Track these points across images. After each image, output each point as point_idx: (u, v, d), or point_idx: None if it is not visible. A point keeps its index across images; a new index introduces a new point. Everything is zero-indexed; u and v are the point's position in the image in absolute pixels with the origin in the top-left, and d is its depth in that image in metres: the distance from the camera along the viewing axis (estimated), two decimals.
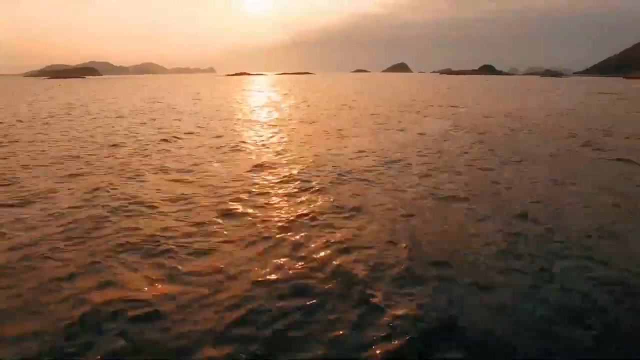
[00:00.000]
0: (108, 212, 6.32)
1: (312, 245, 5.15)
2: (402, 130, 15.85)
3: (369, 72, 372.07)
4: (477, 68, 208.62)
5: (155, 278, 4.32)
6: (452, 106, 26.37)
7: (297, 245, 5.15)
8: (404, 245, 5.15)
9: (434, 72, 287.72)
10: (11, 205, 6.69)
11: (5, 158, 10.55)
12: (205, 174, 8.86)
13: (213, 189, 7.62)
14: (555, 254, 4.93)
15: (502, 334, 3.44)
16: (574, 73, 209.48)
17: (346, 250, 5.01)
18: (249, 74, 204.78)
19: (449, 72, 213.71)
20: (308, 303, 3.86)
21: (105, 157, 10.75)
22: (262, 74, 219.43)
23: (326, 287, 4.16)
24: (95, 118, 20.17)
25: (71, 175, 8.69)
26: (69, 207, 6.52)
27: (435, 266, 4.62)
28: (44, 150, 11.57)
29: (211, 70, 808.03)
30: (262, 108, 26.39)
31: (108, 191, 7.49)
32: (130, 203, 6.79)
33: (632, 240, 5.41)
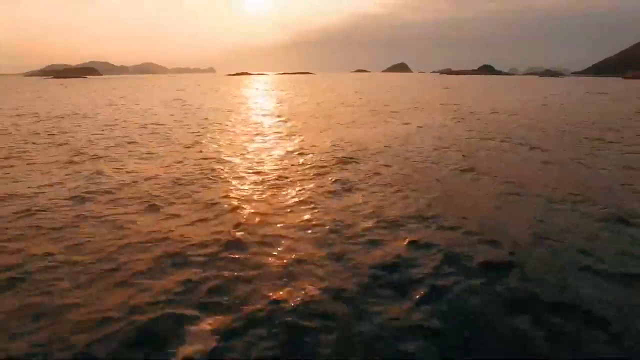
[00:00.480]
0: None
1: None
2: (407, 123, 17.26)
3: (369, 72, 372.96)
4: (476, 68, 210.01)
5: None
6: (455, 104, 27.79)
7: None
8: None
9: (434, 72, 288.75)
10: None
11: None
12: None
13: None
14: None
15: None
16: (572, 73, 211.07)
17: None
18: (250, 74, 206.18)
19: (449, 72, 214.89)
20: None
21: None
22: (263, 74, 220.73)
23: None
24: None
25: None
26: None
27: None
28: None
29: (211, 70, 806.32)
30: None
31: None
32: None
33: None
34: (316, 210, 6.33)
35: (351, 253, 4.85)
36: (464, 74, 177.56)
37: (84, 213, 6.20)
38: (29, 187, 7.62)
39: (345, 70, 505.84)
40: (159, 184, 7.82)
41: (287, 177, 8.32)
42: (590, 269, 4.50)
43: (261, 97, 38.39)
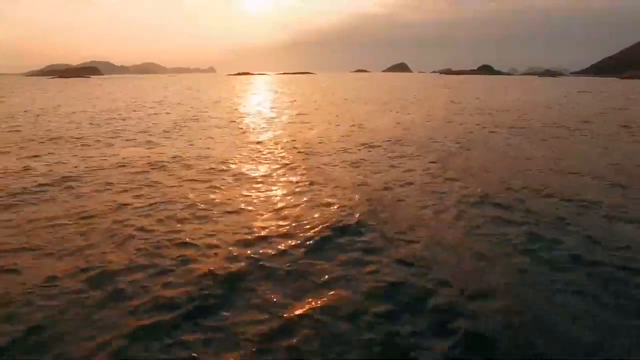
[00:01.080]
0: None
1: None
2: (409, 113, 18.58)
3: (369, 72, 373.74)
4: (476, 68, 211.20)
5: None
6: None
7: None
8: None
9: (434, 72, 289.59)
10: None
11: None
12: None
13: None
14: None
15: None
16: (572, 73, 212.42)
17: None
18: (251, 74, 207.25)
19: (449, 72, 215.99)
20: None
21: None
22: (264, 74, 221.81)
23: None
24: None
25: None
26: None
27: None
28: None
29: (211, 70, 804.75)
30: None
31: None
32: None
33: None
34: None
35: None
36: (463, 74, 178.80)
37: None
38: None
39: (345, 70, 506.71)
40: None
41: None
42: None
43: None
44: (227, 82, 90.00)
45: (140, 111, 22.96)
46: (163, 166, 9.32)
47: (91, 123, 17.54)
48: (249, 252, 4.86)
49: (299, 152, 10.98)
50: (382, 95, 37.75)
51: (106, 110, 23.28)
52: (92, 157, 10.36)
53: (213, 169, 9.11)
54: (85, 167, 9.14)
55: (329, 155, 10.55)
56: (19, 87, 61.45)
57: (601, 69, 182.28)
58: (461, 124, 17.05)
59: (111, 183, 7.88)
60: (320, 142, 12.45)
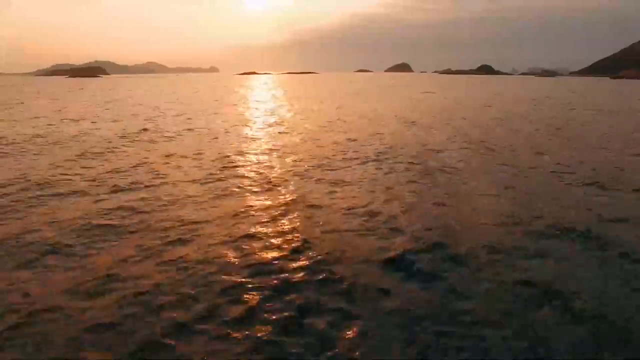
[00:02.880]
0: None
1: None
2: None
3: (372, 72, 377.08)
4: (475, 68, 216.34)
5: None
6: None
7: None
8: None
9: (435, 72, 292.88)
10: None
11: None
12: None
13: None
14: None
15: None
16: (570, 73, 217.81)
17: None
18: (257, 73, 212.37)
19: (449, 72, 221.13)
20: None
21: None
22: (268, 74, 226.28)
23: None
24: None
25: None
26: None
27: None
28: None
29: (214, 69, 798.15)
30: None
31: None
32: None
33: None
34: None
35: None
36: (463, 73, 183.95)
37: None
38: None
39: (347, 70, 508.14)
40: None
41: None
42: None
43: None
44: (250, 81, 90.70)
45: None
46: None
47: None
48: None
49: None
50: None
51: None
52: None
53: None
54: None
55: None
56: (65, 87, 61.75)
57: (597, 69, 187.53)
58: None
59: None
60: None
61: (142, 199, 7.21)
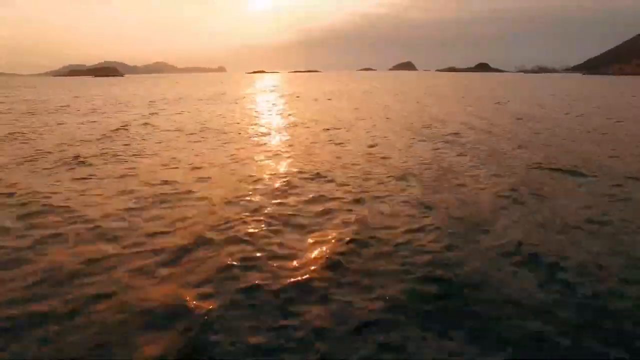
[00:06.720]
0: None
1: None
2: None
3: (375, 70, 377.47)
4: (473, 66, 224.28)
5: None
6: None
7: None
8: None
9: (438, 70, 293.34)
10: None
11: None
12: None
13: None
14: None
15: None
16: (564, 70, 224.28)
17: None
18: (265, 72, 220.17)
19: (452, 69, 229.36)
20: None
21: None
22: (276, 72, 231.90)
23: None
24: None
25: None
26: None
27: None
28: None
29: (221, 69, 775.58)
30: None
31: None
32: None
33: None
34: None
35: None
36: (461, 71, 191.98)
37: None
38: None
39: (352, 68, 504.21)
40: None
41: None
42: None
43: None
44: (267, 81, 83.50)
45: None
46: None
47: None
48: None
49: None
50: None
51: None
52: None
53: None
54: None
55: None
56: (97, 86, 58.96)
57: (589, 67, 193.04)
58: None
59: None
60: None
61: None
